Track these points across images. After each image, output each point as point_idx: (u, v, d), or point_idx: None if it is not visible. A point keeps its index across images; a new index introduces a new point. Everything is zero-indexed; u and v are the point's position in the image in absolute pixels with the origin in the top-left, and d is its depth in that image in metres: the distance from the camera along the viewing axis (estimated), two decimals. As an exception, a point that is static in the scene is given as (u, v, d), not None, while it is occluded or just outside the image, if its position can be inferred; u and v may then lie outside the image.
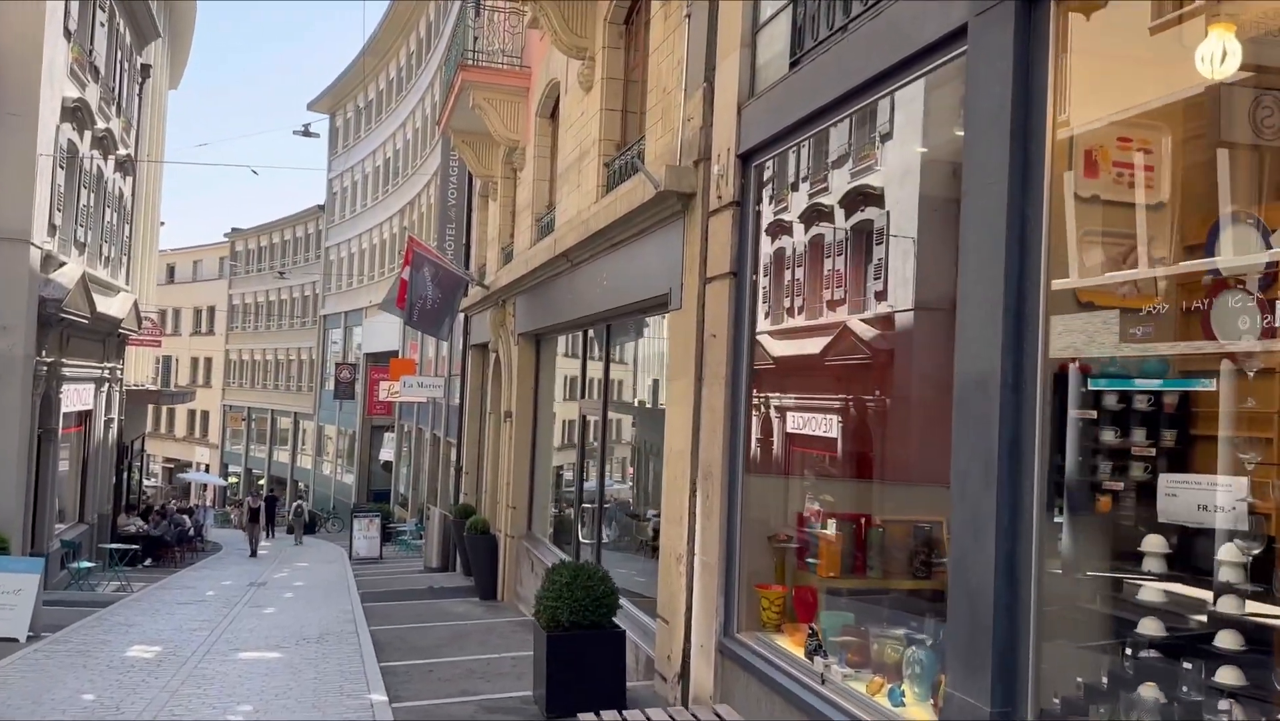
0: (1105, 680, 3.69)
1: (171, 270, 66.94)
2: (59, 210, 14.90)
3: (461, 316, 16.45)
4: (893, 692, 4.81)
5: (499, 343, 16.01)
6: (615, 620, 7.62)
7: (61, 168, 14.90)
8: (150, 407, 64.82)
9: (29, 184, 13.61)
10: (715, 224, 6.96)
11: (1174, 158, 3.80)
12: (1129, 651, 3.61)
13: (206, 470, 60.77)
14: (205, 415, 63.66)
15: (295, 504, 43.07)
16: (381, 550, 25.00)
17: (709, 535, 6.77)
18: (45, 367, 14.82)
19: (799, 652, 5.72)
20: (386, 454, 38.92)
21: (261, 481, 56.66)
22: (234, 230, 61.26)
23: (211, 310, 63.55)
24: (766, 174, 6.57)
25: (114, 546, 17.38)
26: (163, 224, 42.36)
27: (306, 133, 24.51)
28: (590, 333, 11.94)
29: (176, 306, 66.10)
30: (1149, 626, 3.53)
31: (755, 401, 6.59)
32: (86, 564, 16.54)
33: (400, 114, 37.13)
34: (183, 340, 64.72)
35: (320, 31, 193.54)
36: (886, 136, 5.57)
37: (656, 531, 9.67)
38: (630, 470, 11.08)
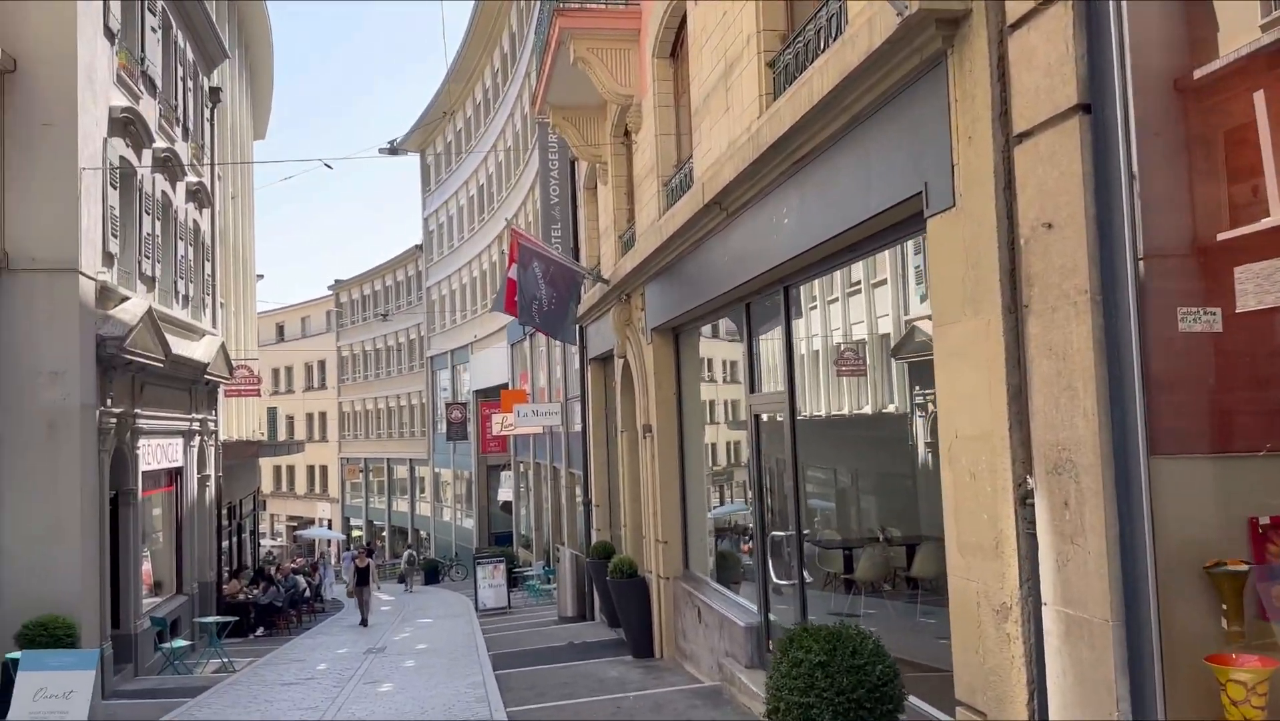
0: None
1: (281, 329, 67.51)
2: (114, 236, 12.95)
3: (576, 329, 13.92)
4: None
5: (626, 345, 13.37)
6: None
7: (114, 187, 12.96)
8: (267, 465, 64.91)
9: (72, 205, 11.63)
10: (1024, 42, 4.11)
11: None
12: None
13: (329, 525, 60.20)
14: (324, 470, 63.39)
15: (406, 553, 41.91)
16: (509, 598, 22.61)
17: (1078, 570, 3.86)
18: (114, 419, 12.81)
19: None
20: (505, 493, 36.88)
21: (358, 532, 55.49)
22: (337, 282, 61.12)
23: (322, 364, 63.53)
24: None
25: (210, 620, 15.31)
26: (260, 276, 41.62)
27: (394, 150, 22.66)
28: (750, 309, 9.17)
29: (289, 364, 66.46)
30: None
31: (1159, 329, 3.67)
32: (181, 642, 14.48)
33: (490, 135, 35.32)
34: (297, 397, 64.84)
35: (403, 73, 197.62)
36: None
37: (891, 564, 6.77)
38: (825, 480, 8.21)
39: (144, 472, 14.65)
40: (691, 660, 11.00)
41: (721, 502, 11.54)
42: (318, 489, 64.15)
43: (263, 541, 45.46)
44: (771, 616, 8.91)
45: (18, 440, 11.31)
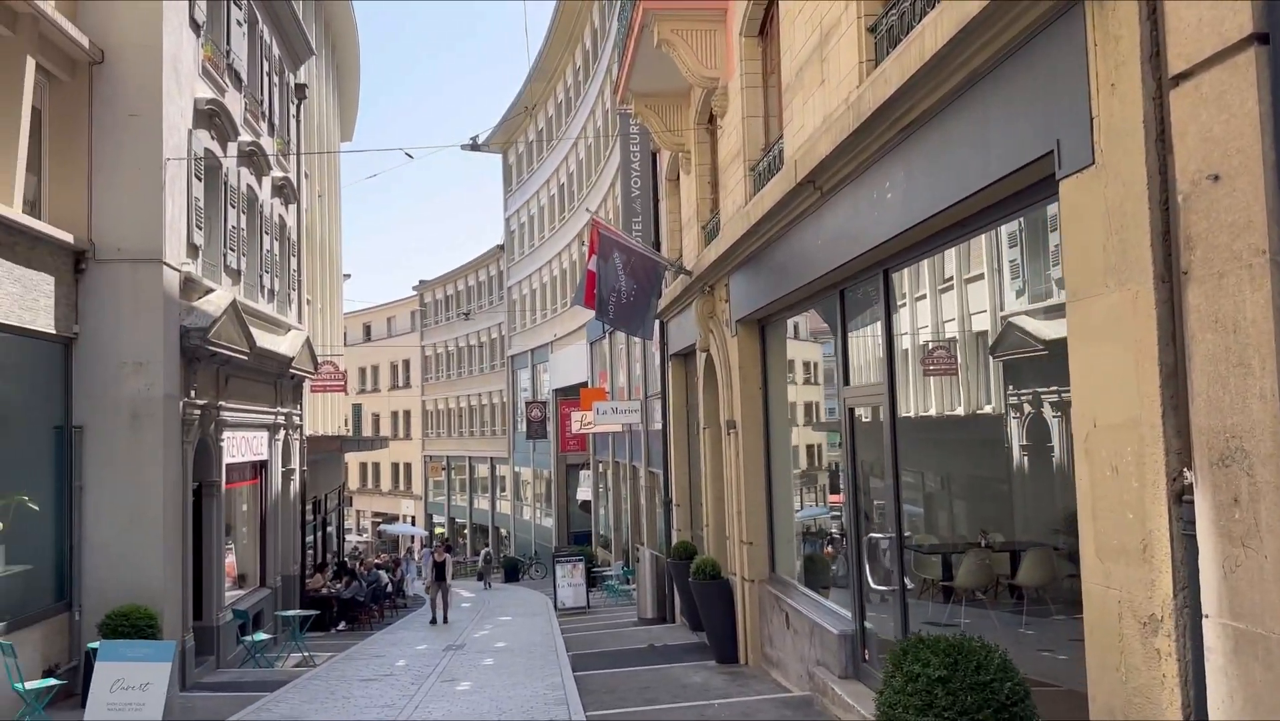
0: None
1: (368, 329, 68.82)
2: (199, 228, 12.99)
3: (656, 325, 13.52)
4: None
5: (709, 339, 12.92)
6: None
7: (199, 178, 13.01)
8: (353, 462, 66.13)
9: (156, 195, 11.67)
10: (1184, -33, 3.55)
11: None
12: None
13: (412, 522, 61.04)
14: (408, 467, 64.39)
15: (484, 551, 42.33)
16: (588, 597, 22.32)
17: (1250, 577, 3.29)
18: (198, 411, 12.85)
19: None
20: (584, 493, 36.74)
21: (441, 529, 56.05)
22: (421, 282, 62.04)
23: (407, 364, 64.57)
24: None
25: (291, 614, 15.32)
26: (348, 276, 42.30)
27: (475, 146, 22.62)
28: (845, 297, 8.64)
29: (375, 364, 67.74)
30: None
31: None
32: (263, 635, 14.50)
33: (572, 131, 35.19)
34: (382, 395, 66.00)
35: (488, 73, 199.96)
36: None
37: (991, 569, 6.19)
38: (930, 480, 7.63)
39: (228, 465, 14.72)
40: (778, 667, 10.49)
41: (804, 505, 11.01)
42: (402, 485, 65.20)
43: (348, 536, 46.22)
44: (867, 624, 8.37)
45: (102, 430, 11.37)
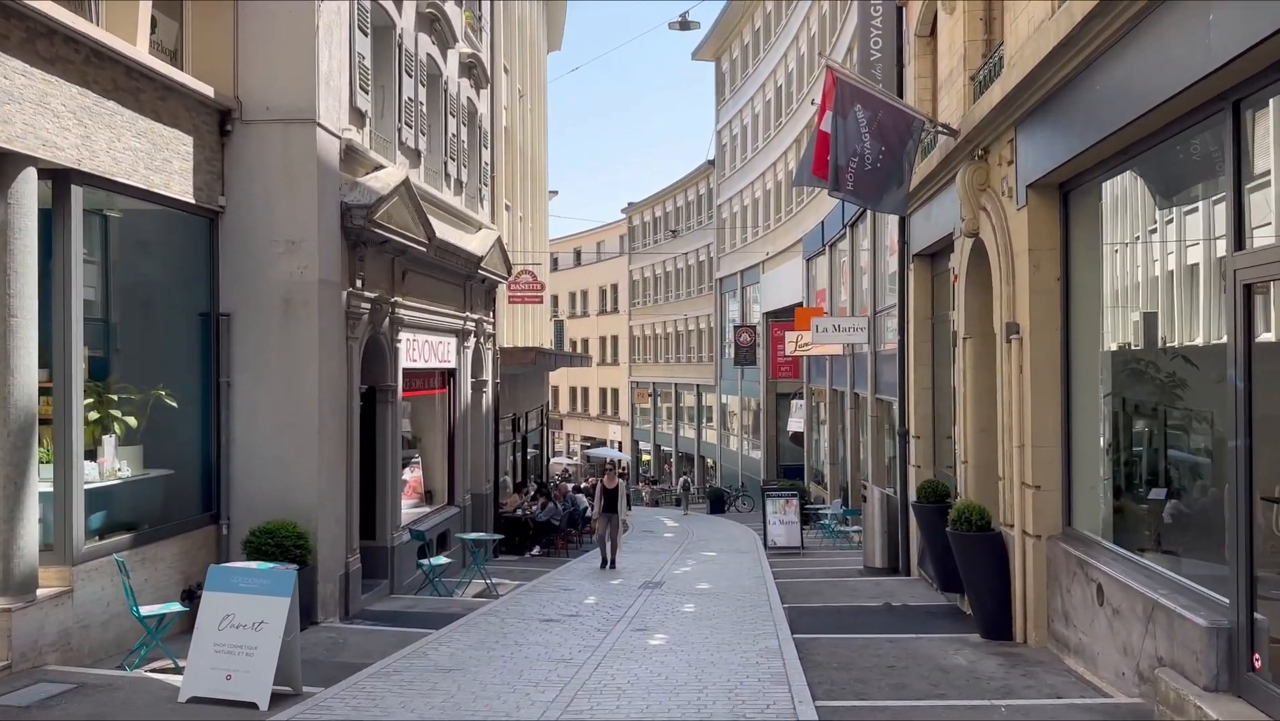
0: None
1: (578, 254, 68.51)
2: (364, 90, 11.20)
3: (906, 196, 10.58)
4: None
5: (979, 218, 9.92)
6: None
7: (364, 32, 11.18)
8: (562, 384, 66.34)
9: (308, 43, 9.86)
10: None
11: None
12: None
13: (619, 448, 60.60)
14: (615, 393, 63.98)
15: (683, 479, 41.06)
16: (802, 537, 19.90)
17: None
18: (367, 304, 11.23)
19: None
20: (794, 424, 34.06)
21: (647, 457, 54.88)
22: (630, 205, 60.59)
23: (615, 288, 63.79)
24: None
25: (474, 537, 13.73)
26: (554, 193, 41.02)
27: (685, 24, 20.12)
28: (1242, 114, 5.57)
29: (584, 288, 67.42)
30: None
31: None
32: (442, 559, 12.98)
33: (793, 24, 31.83)
34: (591, 320, 65.64)
35: None
36: None
37: None
38: None
39: (406, 369, 13.19)
40: (1078, 655, 7.67)
41: (1120, 435, 7.99)
42: (609, 411, 64.88)
43: (555, 458, 45.75)
44: (1259, 616, 5.47)
45: (250, 318, 9.87)
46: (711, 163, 46.21)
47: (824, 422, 28.29)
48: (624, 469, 37.87)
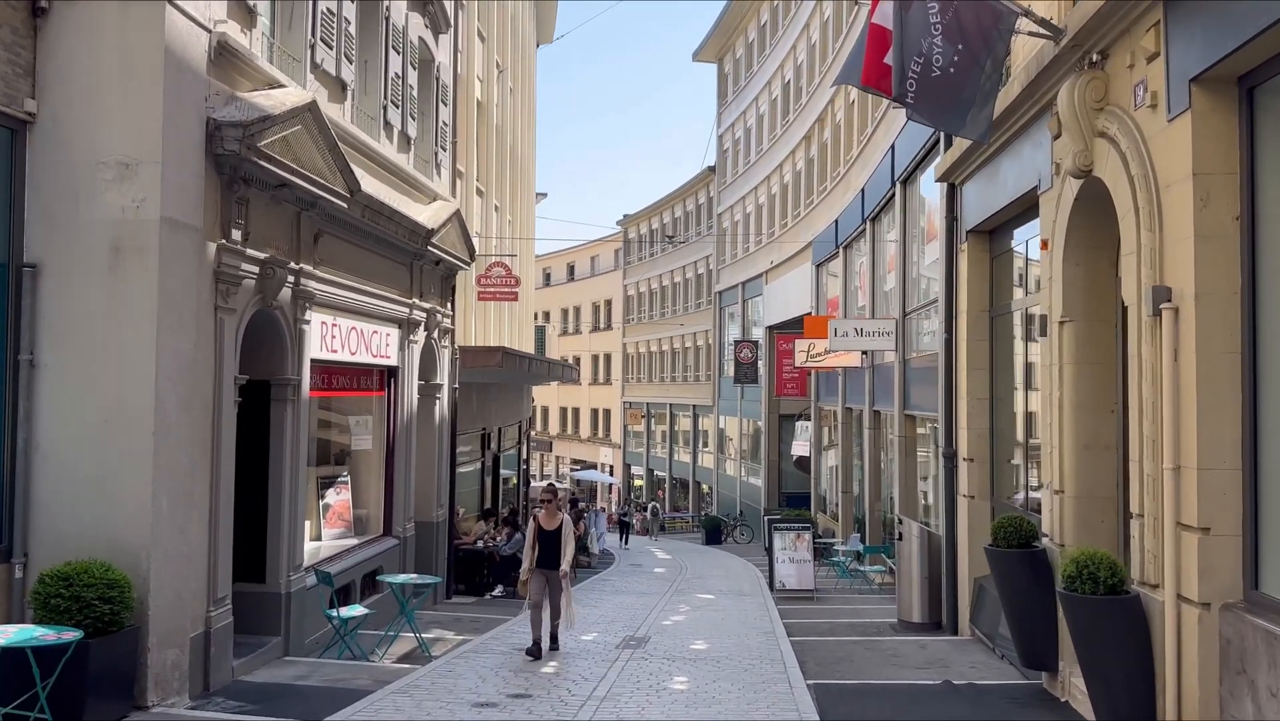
0: None
1: (571, 268, 65.99)
2: (256, -18, 8.35)
3: (990, 115, 7.62)
4: None
5: (1093, 149, 7.04)
6: None
7: (252, -98, 8.35)
8: (552, 404, 63.20)
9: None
10: None
11: None
12: None
13: (610, 472, 57.57)
14: (607, 413, 61.03)
15: (651, 505, 38.26)
16: (815, 578, 16.95)
17: None
18: (254, 267, 8.36)
19: None
20: (800, 447, 31.21)
21: (640, 481, 51.89)
22: (625, 216, 58.05)
23: (608, 304, 61.11)
24: None
25: (398, 580, 10.56)
26: (543, 195, 38.24)
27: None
28: None
29: (577, 304, 64.73)
30: None
31: None
32: (355, 609, 9.98)
33: (802, 15, 29.22)
34: (584, 338, 62.84)
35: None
36: None
37: None
38: None
39: (320, 362, 10.30)
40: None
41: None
42: (600, 432, 61.89)
43: (533, 480, 42.63)
44: None
45: (66, 271, 6.98)
46: (712, 169, 43.64)
47: (834, 446, 25.36)
48: (577, 495, 34.46)
